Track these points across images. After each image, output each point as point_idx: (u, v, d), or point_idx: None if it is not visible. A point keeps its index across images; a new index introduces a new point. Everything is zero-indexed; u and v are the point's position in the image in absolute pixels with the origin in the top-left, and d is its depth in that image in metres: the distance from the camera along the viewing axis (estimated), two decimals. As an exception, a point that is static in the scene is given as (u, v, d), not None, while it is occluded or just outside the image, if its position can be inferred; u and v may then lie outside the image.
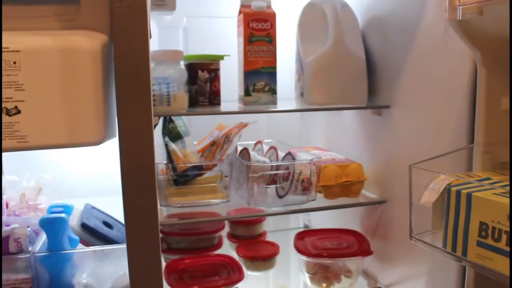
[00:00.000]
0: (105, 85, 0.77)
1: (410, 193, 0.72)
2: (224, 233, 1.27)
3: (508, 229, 0.57)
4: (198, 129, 1.26)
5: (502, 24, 0.64)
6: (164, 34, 1.34)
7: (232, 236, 1.28)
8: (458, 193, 0.64)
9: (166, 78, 0.97)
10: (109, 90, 0.79)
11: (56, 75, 0.74)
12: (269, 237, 1.31)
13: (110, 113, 0.80)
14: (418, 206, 0.72)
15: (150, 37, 0.75)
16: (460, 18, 0.65)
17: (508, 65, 0.71)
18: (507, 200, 0.58)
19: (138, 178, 0.75)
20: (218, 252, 1.20)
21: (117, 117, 0.74)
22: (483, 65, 0.72)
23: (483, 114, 0.73)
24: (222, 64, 1.09)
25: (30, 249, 0.94)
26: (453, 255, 0.65)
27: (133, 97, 0.74)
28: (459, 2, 0.64)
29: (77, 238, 1.01)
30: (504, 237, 0.57)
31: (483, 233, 0.60)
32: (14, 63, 0.73)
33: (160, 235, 1.19)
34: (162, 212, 1.06)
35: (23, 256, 0.91)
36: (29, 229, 0.98)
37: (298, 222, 1.53)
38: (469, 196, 0.62)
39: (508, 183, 0.64)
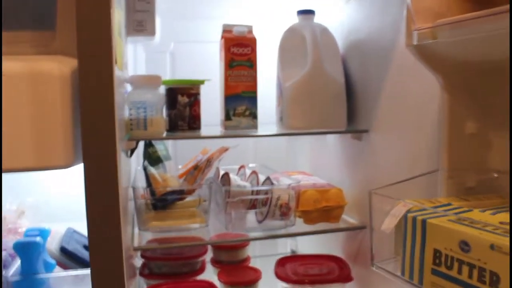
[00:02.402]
0: (75, 110, 0.78)
1: (370, 219, 0.71)
2: (208, 258, 1.26)
3: (459, 256, 0.56)
4: (184, 154, 1.26)
5: (459, 48, 0.64)
6: (151, 58, 1.36)
7: (215, 262, 1.26)
8: (414, 219, 0.62)
9: (143, 102, 0.98)
10: (79, 115, 0.79)
11: (26, 99, 0.75)
12: (255, 263, 1.29)
13: (80, 138, 0.80)
14: (385, 233, 0.71)
15: (116, 62, 0.76)
16: (416, 43, 0.65)
17: (471, 90, 0.71)
18: (460, 227, 0.57)
19: (102, 202, 0.75)
20: (200, 277, 1.19)
21: (81, 141, 0.74)
22: (445, 89, 0.71)
23: (446, 139, 0.72)
24: (207, 89, 1.09)
25: (4, 273, 0.94)
26: (411, 284, 0.63)
27: (97, 121, 0.74)
28: (415, 27, 0.64)
29: (53, 262, 1.01)
30: (456, 265, 0.56)
31: (437, 261, 0.59)
32: (-15, 87, 0.74)
33: (142, 260, 1.19)
34: (142, 236, 1.06)
35: (-4, 279, 0.92)
36: (5, 252, 0.98)
37: (286, 247, 1.51)
38: (424, 222, 0.61)
39: (467, 209, 0.63)
